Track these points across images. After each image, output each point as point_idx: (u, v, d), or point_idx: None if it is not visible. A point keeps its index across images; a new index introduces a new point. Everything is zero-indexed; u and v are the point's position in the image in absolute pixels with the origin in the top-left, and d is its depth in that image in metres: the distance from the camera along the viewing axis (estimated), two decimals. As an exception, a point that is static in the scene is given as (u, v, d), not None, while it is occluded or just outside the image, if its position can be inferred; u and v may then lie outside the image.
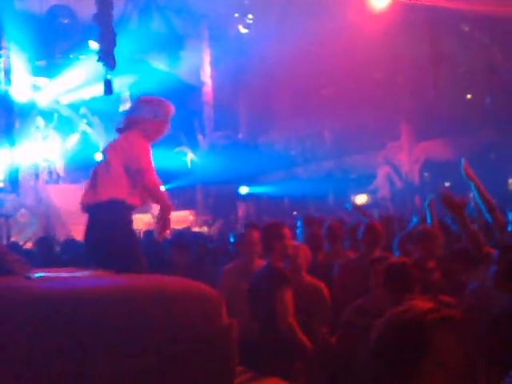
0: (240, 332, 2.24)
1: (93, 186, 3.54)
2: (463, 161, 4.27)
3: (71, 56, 17.08)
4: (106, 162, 3.58)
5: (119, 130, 3.76)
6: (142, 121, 3.64)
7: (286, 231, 4.07)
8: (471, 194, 4.42)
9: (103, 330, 1.97)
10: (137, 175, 3.49)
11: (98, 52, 9.90)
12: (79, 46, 16.77)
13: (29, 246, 8.89)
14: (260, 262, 4.57)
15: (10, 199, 14.98)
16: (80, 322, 1.96)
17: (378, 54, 15.55)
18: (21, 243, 9.37)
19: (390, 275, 3.26)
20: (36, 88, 16.99)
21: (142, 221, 16.35)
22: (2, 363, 1.86)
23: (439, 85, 15.23)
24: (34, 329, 1.92)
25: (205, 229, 15.23)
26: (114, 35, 9.72)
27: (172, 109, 3.83)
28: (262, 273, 4.06)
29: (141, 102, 3.85)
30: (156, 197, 3.72)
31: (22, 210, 14.50)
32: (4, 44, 15.19)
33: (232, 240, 5.36)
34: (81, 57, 16.71)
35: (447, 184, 15.40)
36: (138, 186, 3.53)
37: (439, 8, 14.63)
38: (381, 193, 13.97)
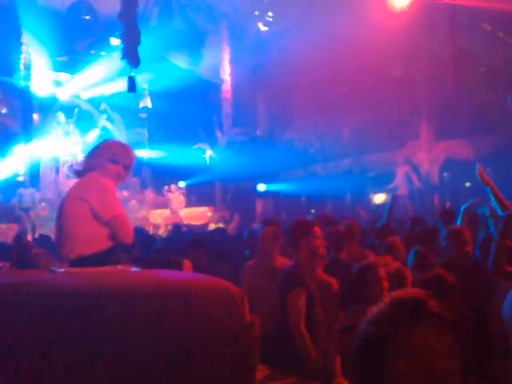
0: (261, 329, 2.25)
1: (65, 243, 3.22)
2: (478, 165, 4.25)
3: (92, 52, 17.23)
4: (70, 218, 3.23)
5: (78, 173, 3.48)
6: (102, 164, 3.41)
7: (316, 229, 4.06)
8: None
9: (126, 325, 1.99)
10: (109, 224, 3.20)
11: (121, 50, 9.90)
12: (100, 43, 16.94)
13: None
14: (282, 259, 4.59)
15: (29, 193, 15.19)
16: (103, 316, 1.98)
17: (398, 52, 15.42)
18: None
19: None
20: (57, 83, 17.19)
21: (161, 216, 16.48)
22: (25, 356, 1.89)
23: (460, 83, 15.08)
24: (58, 322, 1.94)
25: (221, 225, 15.27)
26: (138, 33, 9.71)
27: (134, 155, 3.62)
28: (285, 271, 4.09)
29: (102, 147, 3.62)
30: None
31: (43, 204, 14.69)
32: (24, 40, 15.38)
33: (246, 236, 5.38)
34: (102, 53, 16.87)
35: (467, 184, 15.25)
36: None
37: (460, 6, 14.47)
38: (400, 192, 13.86)
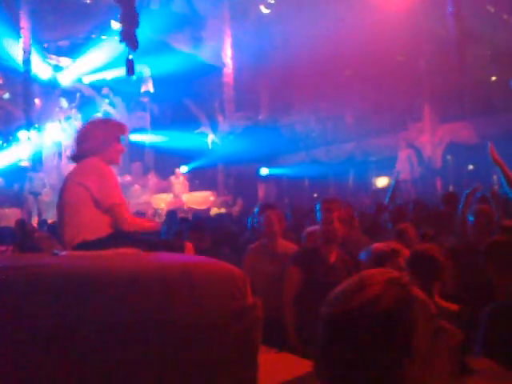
0: (263, 310, 2.27)
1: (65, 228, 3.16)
2: (489, 144, 4.24)
3: (93, 36, 17.12)
4: (71, 203, 3.16)
5: (75, 158, 3.36)
6: (109, 144, 3.29)
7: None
8: (495, 177, 4.40)
9: (130, 307, 2.00)
10: (109, 211, 3.12)
11: (120, 33, 9.86)
12: (102, 27, 16.81)
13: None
14: (284, 243, 4.62)
15: (39, 178, 15.24)
16: (106, 299, 1.99)
17: (401, 35, 15.29)
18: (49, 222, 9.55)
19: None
20: (58, 68, 17.13)
21: (164, 200, 16.51)
22: (28, 339, 1.90)
23: (463, 66, 14.97)
24: (61, 305, 1.96)
25: (223, 210, 15.30)
26: (137, 16, 9.64)
27: (124, 127, 3.46)
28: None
29: (105, 125, 3.46)
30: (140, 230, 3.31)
31: (46, 189, 14.73)
32: (24, 24, 15.28)
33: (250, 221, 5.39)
34: (103, 37, 16.76)
35: (470, 167, 15.21)
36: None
37: (464, -12, 14.33)
38: (402, 176, 13.81)
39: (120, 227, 3.12)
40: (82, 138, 3.32)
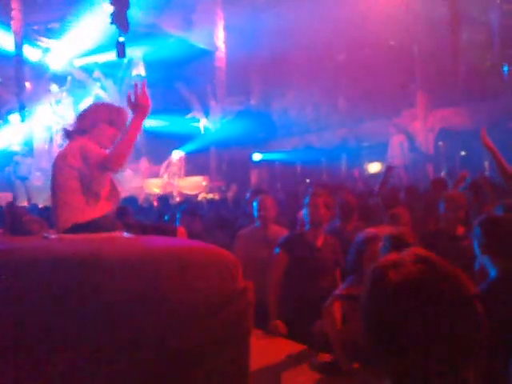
0: (254, 295, 2.27)
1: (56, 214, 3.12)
2: (482, 130, 4.24)
3: (85, 19, 16.93)
4: (61, 186, 3.11)
5: (68, 135, 3.30)
6: (96, 125, 3.24)
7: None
8: (487, 163, 4.41)
9: (120, 291, 1.99)
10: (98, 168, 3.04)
11: (110, 15, 9.78)
12: (93, 9, 16.61)
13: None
14: (276, 228, 4.63)
15: (27, 162, 15.14)
16: (96, 282, 1.98)
17: (394, 19, 15.23)
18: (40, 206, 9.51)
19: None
20: (48, 51, 16.96)
21: (155, 185, 16.49)
22: (19, 322, 1.89)
23: (457, 51, 14.95)
24: (51, 288, 1.94)
25: (216, 196, 15.29)
26: (127, -3, 9.59)
27: (117, 110, 3.40)
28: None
29: (96, 107, 3.45)
30: (129, 145, 3.08)
31: (37, 174, 14.65)
32: (15, 5, 15.05)
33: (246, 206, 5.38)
34: (94, 20, 16.58)
35: (463, 153, 15.24)
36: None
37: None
38: (394, 161, 13.83)
39: (110, 166, 3.02)
40: (76, 118, 3.32)
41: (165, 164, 17.17)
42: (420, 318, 1.10)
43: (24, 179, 13.74)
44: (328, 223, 4.21)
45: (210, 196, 15.05)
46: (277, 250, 4.02)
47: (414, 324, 1.11)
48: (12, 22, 14.93)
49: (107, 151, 3.06)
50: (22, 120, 14.88)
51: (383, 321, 1.15)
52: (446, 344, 1.10)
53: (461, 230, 4.08)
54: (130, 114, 3.27)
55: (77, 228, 2.93)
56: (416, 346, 1.11)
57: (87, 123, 3.22)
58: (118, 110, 3.35)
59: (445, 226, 4.18)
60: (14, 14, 14.96)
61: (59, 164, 3.13)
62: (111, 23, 9.75)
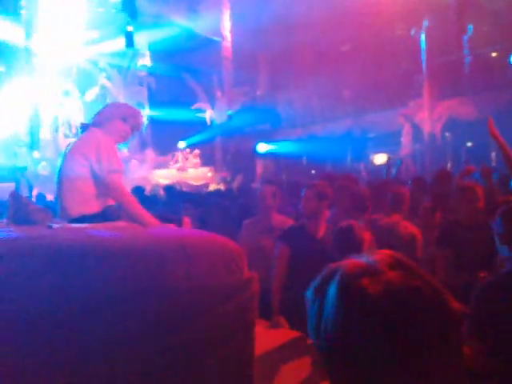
0: (259, 285, 2.27)
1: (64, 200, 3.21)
2: (489, 119, 4.21)
3: (92, 9, 16.88)
4: (69, 176, 3.20)
5: (83, 128, 3.47)
6: (111, 120, 3.39)
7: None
8: (493, 153, 4.38)
9: (124, 280, 1.99)
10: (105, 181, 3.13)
11: (120, 2, 9.78)
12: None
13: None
14: (280, 217, 4.64)
15: (23, 152, 15.15)
16: (101, 272, 1.98)
17: (400, 10, 15.13)
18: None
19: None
20: (57, 41, 16.91)
21: (162, 176, 16.50)
22: (22, 312, 1.89)
23: (462, 42, 14.87)
24: (55, 277, 1.94)
25: (222, 186, 15.29)
26: (136, -15, 9.57)
27: (143, 120, 3.68)
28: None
29: (113, 105, 3.83)
30: (133, 215, 3.08)
31: (43, 163, 14.68)
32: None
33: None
34: (100, 9, 16.52)
35: (469, 144, 15.17)
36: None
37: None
38: (403, 151, 13.80)
39: (113, 198, 3.13)
40: (102, 111, 3.51)
41: (176, 156, 17.19)
42: (410, 338, 0.86)
43: (23, 170, 13.74)
44: (328, 213, 4.19)
45: (222, 187, 15.06)
46: (278, 244, 4.04)
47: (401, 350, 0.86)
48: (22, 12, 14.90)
49: (119, 169, 3.17)
50: (27, 111, 14.87)
51: (365, 347, 0.88)
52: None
53: (479, 220, 4.01)
54: (143, 117, 3.48)
55: (82, 219, 2.95)
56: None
57: (104, 117, 3.43)
58: (134, 111, 3.57)
59: (463, 217, 4.11)
60: (22, 3, 14.90)
61: (70, 152, 3.20)
62: (120, 11, 9.76)
